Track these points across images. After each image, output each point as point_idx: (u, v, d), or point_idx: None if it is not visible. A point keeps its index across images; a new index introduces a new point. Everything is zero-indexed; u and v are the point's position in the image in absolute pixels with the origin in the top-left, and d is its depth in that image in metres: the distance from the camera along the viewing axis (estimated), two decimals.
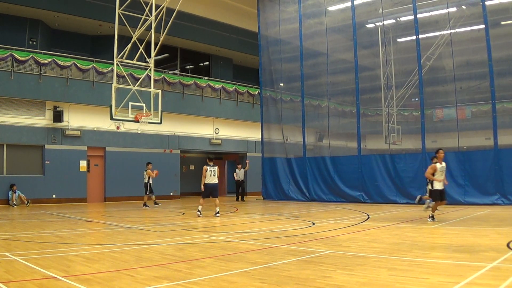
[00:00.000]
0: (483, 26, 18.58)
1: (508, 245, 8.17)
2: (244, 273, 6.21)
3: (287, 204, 21.52)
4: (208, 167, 14.71)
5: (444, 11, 20.42)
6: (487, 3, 18.59)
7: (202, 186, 14.80)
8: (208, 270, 6.43)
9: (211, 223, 13.23)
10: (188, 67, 31.45)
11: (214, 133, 28.16)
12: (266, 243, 9.01)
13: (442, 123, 21.76)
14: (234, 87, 28.91)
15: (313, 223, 12.68)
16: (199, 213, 14.83)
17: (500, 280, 5.62)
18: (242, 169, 24.74)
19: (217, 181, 14.96)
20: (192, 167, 29.94)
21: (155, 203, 20.06)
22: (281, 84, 25.83)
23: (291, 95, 25.57)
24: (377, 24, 22.95)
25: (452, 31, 20.08)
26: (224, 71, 31.88)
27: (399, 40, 23.38)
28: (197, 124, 27.42)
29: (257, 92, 28.74)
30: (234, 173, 24.95)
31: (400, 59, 23.03)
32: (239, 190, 24.66)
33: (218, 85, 28.03)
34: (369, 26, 23.20)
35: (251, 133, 28.84)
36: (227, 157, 31.30)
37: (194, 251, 8.16)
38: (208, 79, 28.48)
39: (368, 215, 14.75)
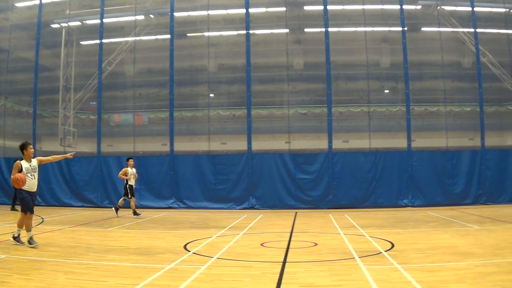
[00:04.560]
0: (168, 36, 19.87)
1: (185, 247, 8.79)
2: None
3: None
4: (21, 163, 8.74)
5: (132, 18, 21.10)
6: (175, 14, 20.02)
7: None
8: None
9: None
10: None
11: None
12: None
13: (119, 128, 22.29)
14: None
15: None
16: (19, 242, 8.68)
17: (179, 281, 5.95)
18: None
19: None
20: None
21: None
22: None
23: None
24: (62, 25, 22.28)
25: (137, 38, 20.96)
26: None
27: (82, 42, 23.15)
28: None
29: None
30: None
31: (81, 62, 22.71)
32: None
33: None
34: (54, 26, 22.44)
35: None
36: None
37: None
38: None
39: (42, 218, 14.08)
